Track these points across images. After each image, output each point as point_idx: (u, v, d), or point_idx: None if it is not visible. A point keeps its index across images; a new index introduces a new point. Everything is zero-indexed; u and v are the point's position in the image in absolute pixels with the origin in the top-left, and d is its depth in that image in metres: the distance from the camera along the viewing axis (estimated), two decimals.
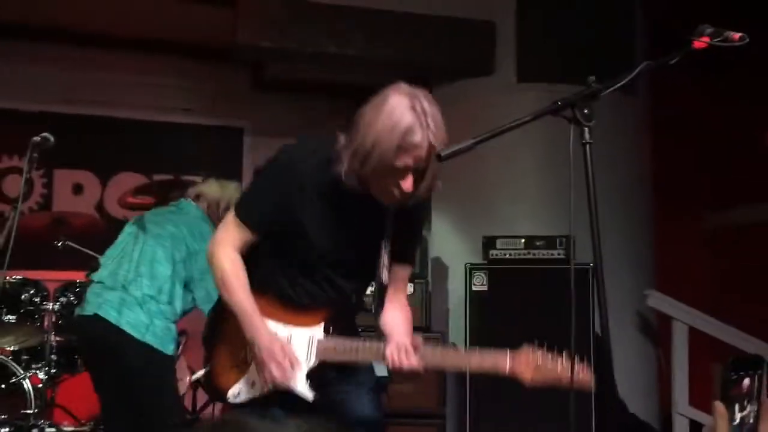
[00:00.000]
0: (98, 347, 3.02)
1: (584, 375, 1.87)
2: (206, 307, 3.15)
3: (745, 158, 5.42)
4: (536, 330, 3.95)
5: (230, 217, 2.06)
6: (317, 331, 1.99)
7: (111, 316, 2.93)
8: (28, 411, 3.61)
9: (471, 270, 4.09)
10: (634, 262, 4.46)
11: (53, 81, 5.30)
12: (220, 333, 2.07)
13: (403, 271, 2.14)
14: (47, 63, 5.26)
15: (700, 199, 5.53)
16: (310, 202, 1.95)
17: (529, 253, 4.11)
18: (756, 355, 1.05)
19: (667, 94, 4.78)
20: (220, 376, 2.03)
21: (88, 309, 3.02)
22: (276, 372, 1.94)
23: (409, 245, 2.12)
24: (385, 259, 2.00)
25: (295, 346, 1.98)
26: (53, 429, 3.69)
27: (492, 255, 4.15)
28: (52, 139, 2.73)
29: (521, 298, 4.02)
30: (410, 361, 1.92)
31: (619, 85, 1.63)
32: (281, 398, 1.99)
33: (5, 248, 2.77)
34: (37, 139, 2.71)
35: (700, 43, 1.56)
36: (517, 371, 1.93)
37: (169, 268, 3.04)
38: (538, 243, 4.11)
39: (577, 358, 1.83)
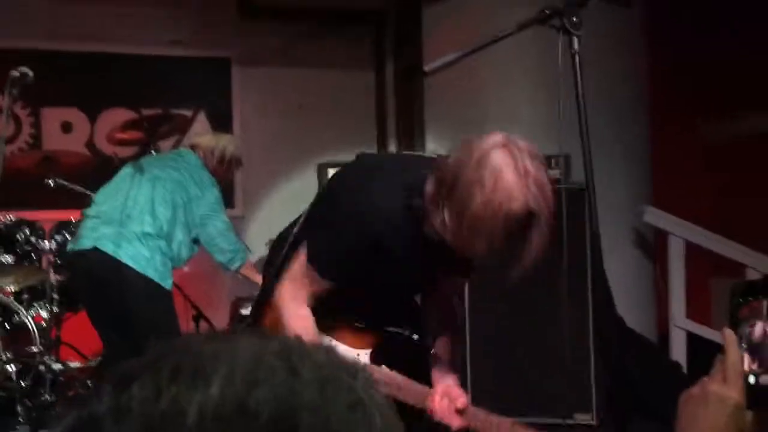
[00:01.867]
0: (96, 281, 3.02)
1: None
2: (216, 252, 3.16)
3: (741, 68, 5.33)
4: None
5: (305, 269, 1.87)
6: (362, 356, 1.93)
7: (109, 248, 2.94)
8: (34, 349, 3.65)
9: None
10: (629, 178, 4.44)
11: (35, 17, 5.16)
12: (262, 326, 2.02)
13: (452, 281, 2.11)
14: None
15: (696, 112, 5.46)
16: (385, 257, 1.85)
17: None
18: (763, 279, 1.04)
19: (661, 4, 4.66)
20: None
21: (85, 243, 3.02)
22: None
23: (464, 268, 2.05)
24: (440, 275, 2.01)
25: None
26: (60, 365, 3.75)
27: None
28: (31, 73, 2.67)
29: None
30: (454, 420, 1.85)
31: None
32: None
33: None
34: (15, 73, 2.65)
35: None
36: None
37: (170, 210, 3.04)
38: None
39: None
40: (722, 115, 5.64)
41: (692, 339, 4.45)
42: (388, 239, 1.82)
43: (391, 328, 2.01)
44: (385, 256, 1.84)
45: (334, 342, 1.94)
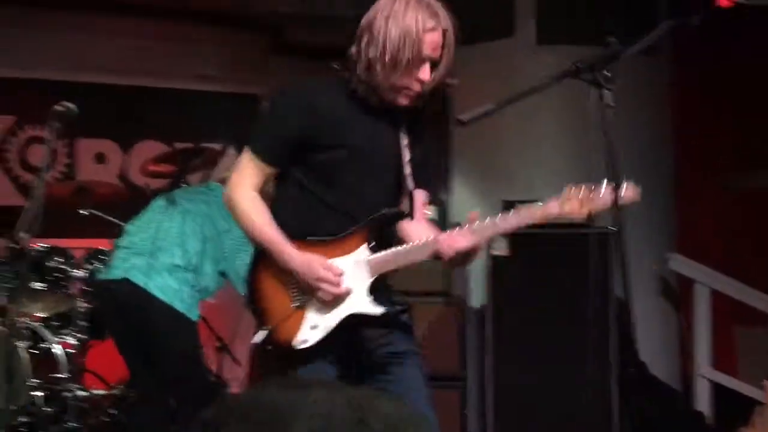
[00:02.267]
0: (125, 311, 3.07)
1: (629, 191, 1.88)
2: (238, 283, 3.20)
3: None
4: (557, 294, 3.99)
5: (245, 157, 2.06)
6: (362, 252, 1.98)
7: (139, 279, 2.99)
8: (60, 376, 3.70)
9: None
10: (655, 224, 4.44)
11: (74, 50, 5.32)
12: (261, 290, 2.05)
13: (419, 195, 2.14)
14: (67, 31, 5.27)
15: (722, 160, 5.45)
16: (326, 116, 1.99)
17: None
18: None
19: (690, 51, 4.69)
20: (280, 332, 2.00)
21: (116, 273, 3.08)
22: (329, 287, 1.94)
23: (423, 169, 2.12)
24: (407, 168, 2.02)
25: (346, 274, 1.97)
26: (85, 393, 3.78)
27: None
28: (75, 108, 2.76)
29: (542, 263, 4.02)
30: (464, 238, 1.91)
31: (639, 46, 1.61)
32: (345, 335, 1.99)
33: (32, 216, 2.82)
34: (59, 108, 2.74)
35: (726, 1, 1.54)
36: (567, 212, 1.96)
37: (199, 243, 3.09)
38: None
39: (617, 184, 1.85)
40: (747, 163, 5.61)
41: (717, 389, 4.39)
42: (321, 102, 1.98)
43: (373, 215, 2.01)
44: (323, 120, 1.97)
45: (329, 260, 1.97)
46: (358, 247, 1.99)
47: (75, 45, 5.31)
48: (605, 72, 1.61)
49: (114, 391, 4.08)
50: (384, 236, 2.03)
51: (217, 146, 5.32)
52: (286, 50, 5.54)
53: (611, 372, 3.76)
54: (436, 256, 1.98)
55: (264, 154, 2.04)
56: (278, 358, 2.07)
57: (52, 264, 3.80)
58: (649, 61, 4.31)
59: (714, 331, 4.43)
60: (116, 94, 5.41)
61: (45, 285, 3.78)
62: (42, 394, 3.58)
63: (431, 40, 1.93)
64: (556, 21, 4.47)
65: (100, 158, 5.45)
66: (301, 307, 1.99)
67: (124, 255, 3.11)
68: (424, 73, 1.93)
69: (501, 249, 4.06)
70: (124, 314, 3.08)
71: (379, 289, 2.00)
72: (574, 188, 1.94)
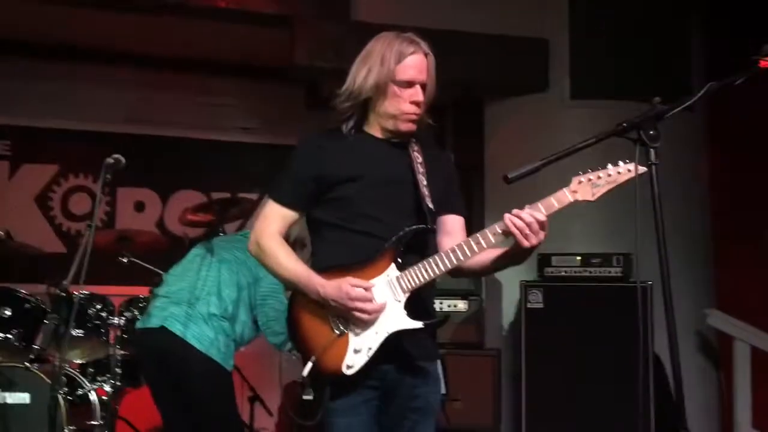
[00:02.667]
0: (162, 359, 3.07)
1: (634, 167, 1.92)
2: (270, 334, 3.22)
3: None
4: (593, 347, 3.94)
5: (266, 205, 2.15)
6: (392, 271, 2.01)
7: (176, 328, 3.01)
8: (94, 422, 3.72)
9: (526, 287, 4.08)
10: (692, 280, 4.38)
11: (116, 102, 5.49)
12: (302, 325, 2.07)
13: (457, 220, 2.18)
14: (110, 84, 5.45)
15: (760, 216, 5.39)
16: (334, 155, 2.08)
17: (585, 271, 4.08)
18: None
19: (725, 110, 4.70)
20: (325, 362, 2.02)
21: (154, 321, 3.10)
22: (363, 305, 1.96)
23: (450, 194, 2.15)
24: (424, 189, 2.06)
25: (378, 296, 2.00)
26: None
27: (547, 272, 4.13)
28: (123, 160, 2.84)
29: (577, 316, 3.98)
30: (532, 218, 1.94)
31: (685, 105, 1.63)
32: (390, 355, 2.00)
33: (80, 265, 2.88)
34: (110, 160, 2.83)
35: (767, 62, 1.56)
36: (580, 198, 2.00)
37: (235, 291, 3.12)
38: (594, 260, 4.07)
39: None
40: None
41: None
42: (329, 143, 2.09)
43: (397, 235, 2.03)
44: (332, 158, 2.07)
45: (369, 282, 1.99)
46: (387, 267, 2.02)
47: (118, 98, 5.49)
48: (650, 131, 1.63)
49: None
50: (416, 250, 2.05)
51: (253, 196, 5.44)
52: (322, 103, 5.64)
53: (649, 430, 3.68)
54: (467, 259, 1.99)
55: (282, 199, 2.11)
56: (329, 386, 2.05)
57: (91, 311, 3.85)
58: (683, 117, 4.32)
59: (755, 389, 4.33)
60: (156, 145, 5.55)
61: (83, 332, 3.83)
62: None
63: (414, 63, 2.03)
64: (589, 76, 4.52)
65: (140, 207, 5.56)
66: (343, 335, 2.01)
67: (162, 304, 3.14)
68: (416, 95, 2.03)
69: (536, 301, 4.04)
70: (161, 363, 3.09)
71: (416, 304, 2.02)
72: (582, 176, 2.00)
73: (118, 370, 3.85)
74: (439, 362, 2.28)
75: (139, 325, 3.31)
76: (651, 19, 4.54)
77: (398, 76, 2.01)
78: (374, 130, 2.11)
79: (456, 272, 2.08)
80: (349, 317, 2.00)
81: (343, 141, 2.09)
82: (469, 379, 4.05)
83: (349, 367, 2.00)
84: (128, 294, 4.08)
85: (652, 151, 1.65)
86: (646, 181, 1.74)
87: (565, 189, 1.99)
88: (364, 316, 1.98)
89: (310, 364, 2.02)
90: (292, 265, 2.07)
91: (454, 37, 4.51)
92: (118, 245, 4.07)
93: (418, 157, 2.10)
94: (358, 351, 2.00)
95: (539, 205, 1.99)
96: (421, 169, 2.08)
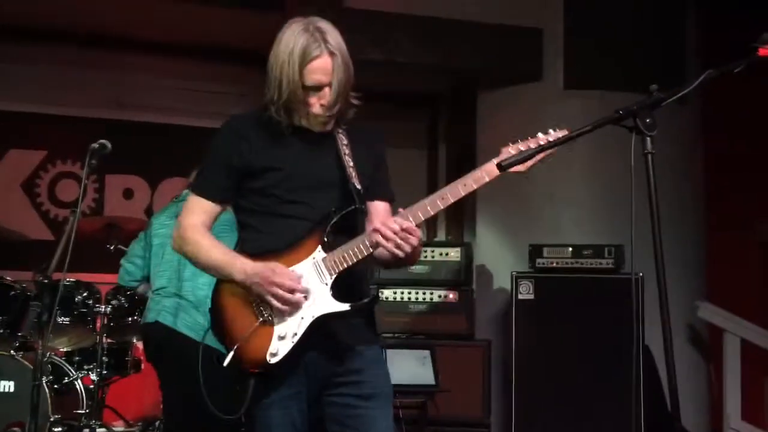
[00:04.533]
0: (160, 351, 3.13)
1: (562, 131, 1.93)
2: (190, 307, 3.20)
3: None
4: (583, 339, 3.93)
5: (188, 199, 2.09)
6: (317, 254, 1.96)
7: (168, 320, 3.05)
8: (80, 411, 3.69)
9: (517, 278, 4.06)
10: (684, 272, 4.37)
11: (104, 87, 5.43)
12: (225, 312, 2.02)
13: (382, 205, 2.12)
14: (98, 69, 5.39)
15: (753, 209, 5.39)
16: (256, 144, 2.03)
17: (576, 262, 4.06)
18: None
19: (719, 100, 4.69)
20: (249, 349, 1.96)
21: (150, 316, 3.15)
22: (283, 294, 1.91)
23: (376, 180, 2.09)
24: (351, 171, 2.02)
25: (305, 279, 1.95)
26: (104, 429, 3.77)
27: (539, 263, 4.11)
28: (109, 145, 2.80)
29: (568, 307, 3.97)
30: (397, 227, 1.88)
31: (682, 93, 1.60)
32: (310, 345, 1.95)
33: (64, 252, 2.84)
34: (95, 145, 2.78)
35: (766, 50, 1.52)
36: (511, 169, 1.93)
37: None
38: (585, 252, 4.06)
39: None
40: None
41: None
42: (251, 130, 2.03)
43: (323, 217, 1.98)
44: (254, 145, 2.02)
45: (295, 270, 1.94)
46: (313, 250, 1.97)
47: (106, 83, 5.42)
48: (647, 119, 1.60)
49: (133, 428, 4.05)
50: (344, 230, 1.99)
51: None
52: None
53: (638, 423, 3.67)
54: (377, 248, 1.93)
55: (204, 191, 2.06)
56: (254, 378, 1.98)
57: (77, 299, 3.81)
58: (677, 107, 4.30)
59: (744, 381, 4.33)
60: (145, 131, 5.49)
61: (69, 319, 3.79)
62: (62, 429, 3.56)
63: (319, 67, 1.96)
64: (583, 66, 4.49)
65: (128, 194, 5.51)
66: (267, 321, 1.95)
67: (157, 298, 3.17)
68: (324, 98, 1.97)
69: (527, 292, 4.03)
70: (161, 354, 3.14)
71: (344, 287, 1.96)
72: (510, 146, 1.97)
73: (105, 359, 3.81)
74: (385, 349, 2.22)
75: (141, 320, 3.35)
76: (645, 10, 4.51)
77: (305, 82, 1.95)
78: (298, 122, 2.04)
79: (385, 263, 2.03)
80: (268, 302, 1.93)
81: (266, 128, 2.03)
82: (459, 370, 4.04)
83: (273, 354, 1.93)
84: (116, 282, 4.03)
85: (648, 139, 1.62)
86: (641, 171, 1.71)
87: (494, 159, 1.94)
88: (280, 305, 1.92)
89: (231, 354, 1.95)
90: (214, 250, 2.01)
91: (447, 26, 4.47)
92: (106, 233, 4.02)
93: (343, 140, 2.06)
94: (282, 337, 1.94)
95: (416, 209, 1.93)
96: (346, 151, 2.05)
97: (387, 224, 1.89)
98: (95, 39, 5.25)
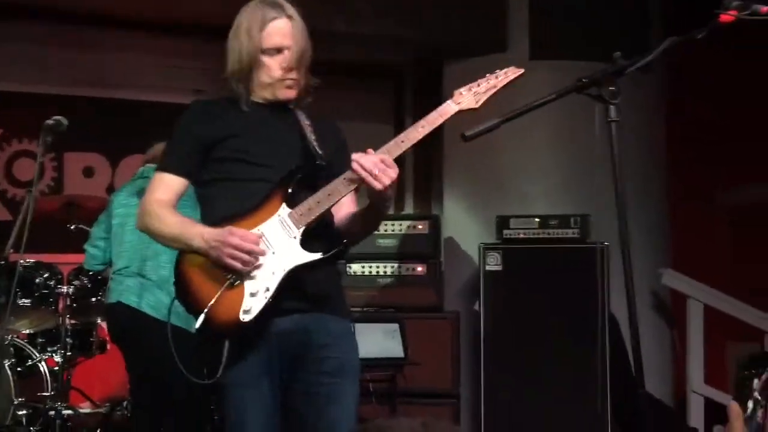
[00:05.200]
0: (124, 332, 3.12)
1: (511, 70, 2.06)
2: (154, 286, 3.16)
3: (763, 134, 5.34)
4: (551, 308, 3.97)
5: (154, 176, 2.10)
6: (282, 210, 1.97)
7: (131, 300, 3.01)
8: (45, 393, 3.63)
9: (485, 250, 4.07)
10: (648, 240, 4.43)
11: (62, 63, 5.27)
12: (190, 278, 1.99)
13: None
14: (56, 44, 5.22)
15: (716, 176, 5.46)
16: (220, 117, 2.06)
17: (543, 233, 4.09)
18: (766, 352, 1.06)
19: (683, 69, 4.72)
20: (220, 310, 1.93)
21: (112, 297, 3.12)
22: (239, 253, 1.89)
23: (342, 161, 2.07)
24: (314, 142, 2.05)
25: (272, 236, 1.95)
26: (70, 411, 3.72)
27: (506, 235, 4.13)
28: (65, 122, 2.73)
29: (536, 278, 4.00)
30: (376, 158, 1.91)
31: (645, 61, 1.60)
32: (292, 295, 1.94)
33: (21, 232, 2.78)
34: (50, 122, 2.71)
35: (727, 16, 1.52)
36: (464, 107, 2.03)
37: None
38: (552, 222, 4.08)
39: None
40: (741, 180, 5.63)
41: (709, 404, 4.37)
42: (216, 106, 2.09)
43: (284, 174, 2.00)
44: (218, 120, 2.06)
45: (257, 229, 1.95)
46: (278, 207, 1.97)
47: (65, 58, 5.27)
48: (610, 87, 1.59)
49: (100, 410, 4.01)
50: (306, 185, 2.00)
51: None
52: None
53: (603, 390, 3.73)
54: (357, 184, 1.96)
55: (170, 167, 2.08)
56: (227, 341, 1.94)
57: (38, 280, 3.74)
58: (640, 76, 4.32)
59: (706, 346, 4.42)
60: (105, 107, 5.36)
61: (30, 301, 3.71)
62: (26, 412, 3.51)
63: (278, 28, 2.01)
64: (548, 36, 4.48)
65: (89, 172, 5.39)
66: (237, 281, 1.93)
67: (119, 278, 3.12)
68: (285, 60, 2.01)
69: (494, 263, 4.05)
70: (125, 335, 3.11)
71: (314, 238, 1.97)
72: (463, 87, 2.05)
73: (69, 340, 3.75)
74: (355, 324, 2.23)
75: (105, 301, 3.32)
76: None
77: (264, 45, 2.00)
78: (259, 99, 2.09)
79: (348, 234, 2.05)
80: (228, 265, 1.91)
81: (230, 106, 2.08)
82: (428, 342, 4.05)
83: (246, 311, 1.90)
84: (77, 262, 3.96)
85: (612, 107, 1.61)
86: (605, 140, 1.71)
87: (449, 101, 2.01)
88: (239, 265, 1.90)
89: (202, 317, 1.91)
90: (175, 221, 2.02)
91: None
92: (66, 212, 3.94)
93: (305, 120, 2.10)
94: (254, 294, 1.92)
95: (409, 130, 1.99)
96: (309, 128, 2.08)
97: (364, 156, 1.91)
98: (55, 15, 5.09)
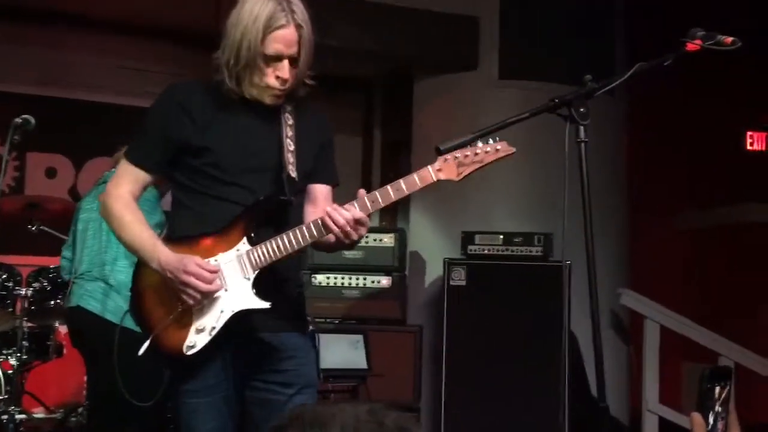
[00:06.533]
0: (82, 337, 3.07)
1: (503, 147, 1.92)
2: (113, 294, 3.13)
3: (721, 159, 5.49)
4: (512, 324, 4.01)
5: (121, 164, 2.02)
6: (242, 246, 1.91)
7: (92, 306, 2.97)
8: None
9: (449, 264, 4.11)
10: (607, 260, 4.50)
11: (28, 62, 5.20)
12: (145, 297, 1.97)
13: (322, 189, 2.09)
14: (22, 43, 5.16)
15: (674, 199, 5.60)
16: (196, 119, 1.96)
17: (507, 249, 4.14)
18: (726, 366, 1.12)
19: (643, 93, 4.84)
20: (166, 338, 1.91)
21: (73, 301, 3.07)
22: (190, 291, 1.85)
23: (321, 161, 2.06)
24: (289, 156, 1.96)
25: (227, 272, 1.89)
26: (24, 416, 3.64)
27: (470, 250, 4.17)
28: (33, 121, 2.70)
29: (499, 294, 4.05)
30: (350, 216, 1.84)
31: (614, 84, 1.65)
32: (232, 335, 1.90)
33: None
34: (18, 120, 2.68)
35: (693, 45, 1.58)
36: (443, 177, 1.90)
37: None
38: (516, 239, 4.14)
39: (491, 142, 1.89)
40: (698, 203, 5.77)
41: (664, 423, 4.45)
42: (191, 102, 1.96)
43: (249, 204, 1.93)
44: (193, 120, 1.95)
45: (213, 257, 1.89)
46: (238, 241, 1.90)
47: (31, 57, 5.20)
48: (581, 108, 1.64)
49: (54, 415, 3.94)
50: (272, 222, 1.95)
51: None
52: None
53: (563, 406, 3.78)
54: (321, 237, 1.90)
55: (138, 160, 1.99)
56: (170, 367, 1.96)
57: None
58: (602, 99, 4.42)
59: (662, 366, 4.51)
60: (70, 109, 5.29)
61: None
62: None
63: (282, 37, 1.89)
64: (517, 57, 4.56)
65: (51, 173, 5.31)
66: (186, 312, 1.90)
67: (80, 282, 3.08)
68: (282, 70, 1.91)
69: (458, 278, 4.08)
70: (82, 341, 3.08)
71: (267, 282, 1.92)
72: (448, 155, 1.90)
73: (26, 343, 3.68)
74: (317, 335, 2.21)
75: (65, 305, 3.25)
76: (579, 2, 4.60)
77: (265, 50, 1.88)
78: (236, 94, 1.97)
79: (323, 246, 2.00)
80: (179, 293, 1.87)
81: (207, 101, 1.97)
82: (391, 354, 4.07)
83: (190, 347, 1.89)
84: (38, 264, 3.90)
85: (582, 128, 1.66)
86: (573, 160, 1.75)
87: (429, 167, 1.91)
88: (191, 301, 1.87)
89: (147, 342, 1.91)
90: (137, 230, 1.95)
91: (385, 11, 4.46)
92: (28, 213, 3.87)
93: (289, 120, 2.00)
94: (200, 330, 1.90)
95: (388, 188, 1.89)
96: (290, 133, 1.99)
97: (339, 211, 1.85)
98: (22, 12, 5.02)
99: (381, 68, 5.46)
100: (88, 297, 3.01)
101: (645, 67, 1.67)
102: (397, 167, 5.21)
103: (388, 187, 1.89)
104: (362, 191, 1.90)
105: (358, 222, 1.85)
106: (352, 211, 1.85)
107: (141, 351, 1.92)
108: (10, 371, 3.66)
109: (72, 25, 5.17)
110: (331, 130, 2.13)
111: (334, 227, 1.85)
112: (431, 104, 4.75)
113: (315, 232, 1.88)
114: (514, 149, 1.89)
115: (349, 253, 4.28)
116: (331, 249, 2.01)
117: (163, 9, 4.94)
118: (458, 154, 1.89)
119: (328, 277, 4.31)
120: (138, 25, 5.21)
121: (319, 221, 1.88)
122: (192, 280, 1.85)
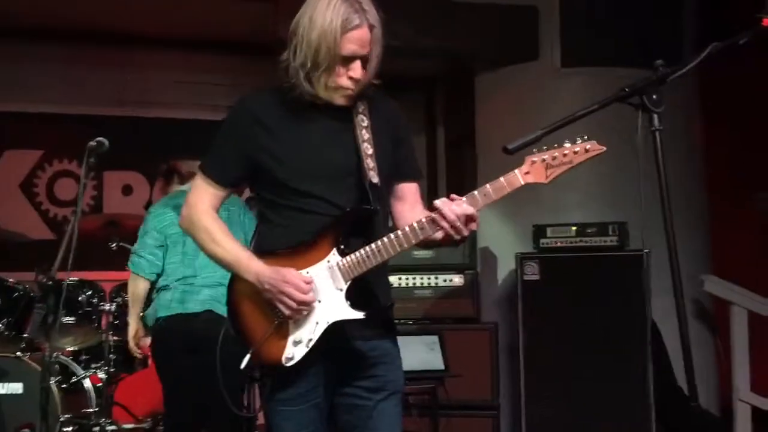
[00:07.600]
0: (201, 343, 3.03)
1: (592, 146, 1.85)
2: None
3: None
4: (590, 317, 3.92)
5: (197, 179, 2.03)
6: (333, 257, 1.91)
7: (222, 309, 3.01)
8: (90, 410, 3.69)
9: (522, 259, 4.04)
10: (688, 247, 4.34)
11: (99, 83, 5.39)
12: (241, 311, 1.98)
13: (409, 187, 2.07)
14: (93, 65, 5.35)
15: (756, 181, 5.36)
16: (271, 130, 1.95)
17: (580, 241, 4.05)
18: None
19: (717, 74, 4.65)
20: (265, 351, 1.93)
21: (191, 307, 3.11)
22: (290, 302, 1.87)
23: (400, 159, 2.03)
24: (369, 161, 1.94)
25: (319, 284, 1.90)
26: (114, 427, 3.77)
27: (543, 244, 4.10)
28: (107, 143, 2.78)
29: (574, 286, 3.96)
30: (460, 211, 1.82)
31: (689, 67, 1.58)
32: (327, 345, 1.92)
33: (66, 252, 2.83)
34: (93, 143, 2.76)
35: None
36: (532, 180, 1.87)
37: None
38: (589, 230, 4.04)
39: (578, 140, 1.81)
40: None
41: (756, 412, 4.28)
42: (266, 114, 1.96)
43: (336, 216, 1.92)
44: (269, 131, 1.95)
45: (305, 272, 1.90)
46: (328, 253, 1.91)
47: (102, 79, 5.39)
48: (653, 96, 1.57)
49: (142, 425, 4.06)
50: (361, 231, 1.93)
51: None
52: None
53: (649, 397, 3.67)
54: (428, 237, 1.87)
55: (214, 176, 2.00)
56: (269, 378, 1.98)
57: (81, 298, 3.81)
58: (676, 82, 4.27)
59: (752, 353, 4.33)
60: (142, 126, 5.46)
61: (74, 319, 3.79)
62: (72, 428, 3.56)
63: (357, 37, 1.89)
64: (580, 44, 4.46)
65: (127, 190, 5.49)
66: (283, 325, 1.92)
67: (190, 289, 3.12)
68: (355, 71, 1.90)
69: (532, 273, 4.02)
70: (199, 346, 3.03)
71: (360, 292, 1.92)
72: (536, 155, 1.86)
73: (112, 356, 3.81)
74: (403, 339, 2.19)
75: (162, 313, 3.23)
76: None
77: (341, 51, 1.88)
78: (308, 97, 1.94)
79: (426, 243, 1.95)
80: (277, 304, 1.89)
81: (282, 110, 1.96)
82: (467, 353, 4.03)
83: (288, 359, 1.92)
84: (119, 279, 4.03)
85: (655, 116, 1.59)
86: (646, 149, 1.68)
87: (516, 170, 1.87)
88: (290, 313, 1.89)
89: (248, 357, 1.93)
90: (230, 244, 1.97)
91: (445, 8, 4.43)
92: (107, 230, 4.01)
93: (363, 121, 1.98)
94: (298, 342, 1.92)
95: (476, 193, 1.86)
96: (366, 135, 1.96)
97: (449, 206, 1.83)
98: (91, 36, 5.21)
99: (442, 64, 5.43)
100: (215, 302, 3.02)
101: (719, 47, 1.59)
102: (462, 163, 5.16)
103: (475, 192, 1.86)
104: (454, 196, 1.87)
105: (469, 218, 1.84)
106: (462, 207, 1.84)
107: (243, 364, 1.94)
108: (99, 384, 3.79)
109: (141, 46, 5.33)
110: (405, 120, 2.10)
111: (444, 223, 1.84)
112: (493, 98, 4.69)
113: (420, 234, 1.88)
114: (604, 148, 1.82)
115: (419, 253, 4.27)
116: (435, 246, 1.99)
117: (225, 22, 5.04)
118: (546, 156, 1.85)
119: (399, 278, 4.30)
120: (201, 40, 5.34)
121: (424, 220, 1.87)
122: (291, 290, 1.88)
